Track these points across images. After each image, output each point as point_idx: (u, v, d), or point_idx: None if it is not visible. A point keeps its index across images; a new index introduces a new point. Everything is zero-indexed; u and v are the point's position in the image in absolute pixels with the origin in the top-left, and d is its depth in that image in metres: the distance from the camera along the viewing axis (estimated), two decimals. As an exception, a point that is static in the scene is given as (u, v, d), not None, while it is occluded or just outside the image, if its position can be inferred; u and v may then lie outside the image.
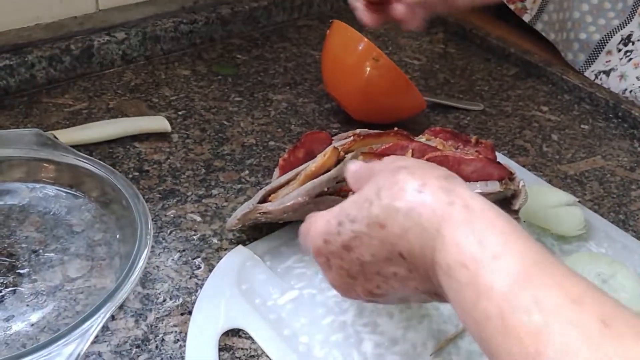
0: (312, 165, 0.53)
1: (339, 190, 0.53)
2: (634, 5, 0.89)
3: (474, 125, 0.79)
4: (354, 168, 0.42)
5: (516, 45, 0.95)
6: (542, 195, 0.61)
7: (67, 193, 0.57)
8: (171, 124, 0.70)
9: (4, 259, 0.51)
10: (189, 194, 0.62)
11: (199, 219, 0.59)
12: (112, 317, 0.49)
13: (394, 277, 0.37)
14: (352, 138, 0.55)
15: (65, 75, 0.76)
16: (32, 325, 0.47)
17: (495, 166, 0.52)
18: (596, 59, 0.91)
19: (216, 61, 0.85)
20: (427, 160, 0.51)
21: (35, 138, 0.57)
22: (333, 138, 0.60)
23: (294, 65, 0.86)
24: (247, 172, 0.66)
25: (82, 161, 0.55)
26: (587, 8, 0.93)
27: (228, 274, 0.52)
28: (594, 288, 0.29)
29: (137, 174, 0.63)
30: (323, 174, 0.52)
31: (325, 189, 0.52)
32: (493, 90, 0.87)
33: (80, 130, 0.67)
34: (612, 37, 0.90)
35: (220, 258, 0.54)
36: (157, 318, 0.49)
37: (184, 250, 0.55)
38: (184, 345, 0.47)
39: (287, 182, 0.55)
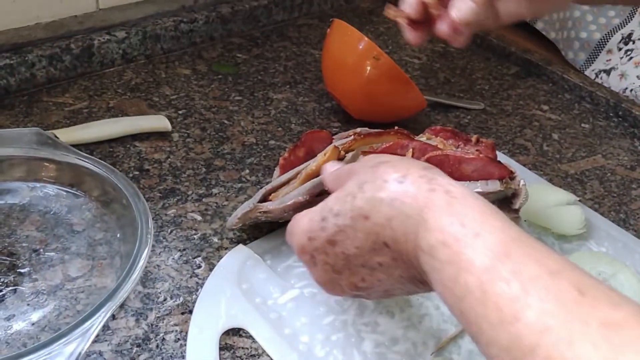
0: (312, 164, 0.53)
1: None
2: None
3: (474, 124, 0.79)
4: (331, 169, 0.43)
5: (516, 44, 0.95)
6: (542, 195, 0.61)
7: (68, 192, 0.57)
8: (171, 123, 0.70)
9: (4, 258, 0.51)
10: (190, 193, 0.62)
11: (199, 218, 0.59)
12: (113, 317, 0.49)
13: (379, 268, 0.37)
14: (352, 137, 0.55)
15: (65, 74, 0.76)
16: (33, 324, 0.47)
17: (496, 165, 0.52)
18: (597, 57, 0.91)
19: (216, 60, 0.85)
20: (428, 159, 0.51)
21: (36, 137, 0.57)
22: (333, 137, 0.60)
23: (294, 64, 0.86)
24: (247, 171, 0.66)
25: (83, 160, 0.55)
26: (587, 7, 0.93)
27: (228, 273, 0.52)
28: (571, 263, 0.30)
29: (137, 173, 0.63)
30: (323, 173, 0.52)
31: (326, 188, 0.52)
32: (493, 89, 0.87)
33: (81, 129, 0.67)
34: (612, 36, 0.90)
35: (220, 257, 0.54)
36: (158, 317, 0.49)
37: (184, 250, 0.55)
38: (185, 345, 0.47)
39: (288, 181, 0.55)
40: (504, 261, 0.29)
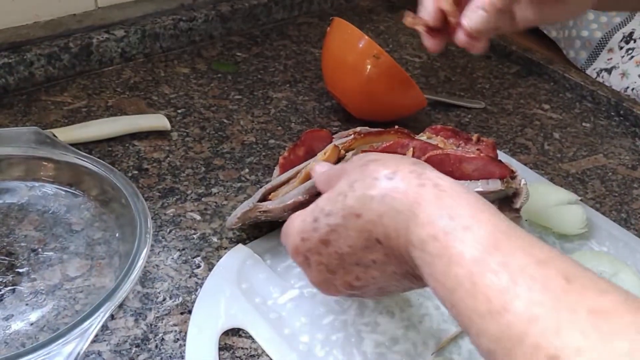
0: (312, 164, 0.53)
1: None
2: (635, 3, 0.89)
3: (475, 123, 0.79)
4: (322, 169, 0.44)
5: (517, 43, 0.95)
6: (543, 194, 0.61)
7: (67, 192, 0.57)
8: (170, 122, 0.69)
9: (3, 257, 0.51)
10: (189, 192, 0.62)
11: (198, 217, 0.59)
12: (112, 316, 0.48)
13: (372, 265, 0.38)
14: (352, 136, 0.55)
15: (64, 73, 0.76)
16: (32, 324, 0.46)
17: (497, 164, 0.52)
18: (598, 56, 0.91)
19: (216, 59, 0.85)
20: (429, 158, 0.51)
21: (34, 136, 0.56)
22: (333, 136, 0.60)
23: (294, 63, 0.86)
24: (247, 170, 0.66)
25: (81, 159, 0.55)
26: (588, 5, 0.92)
27: (228, 273, 0.52)
28: (559, 253, 0.30)
29: (136, 172, 0.63)
30: (323, 172, 0.52)
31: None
32: (494, 88, 0.87)
33: (79, 128, 0.66)
34: (613, 35, 0.89)
35: (220, 257, 0.54)
36: (157, 317, 0.49)
37: (183, 249, 0.55)
38: (184, 345, 0.47)
39: (288, 181, 0.55)
40: (493, 253, 0.30)
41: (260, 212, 0.53)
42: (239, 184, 0.63)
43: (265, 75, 0.83)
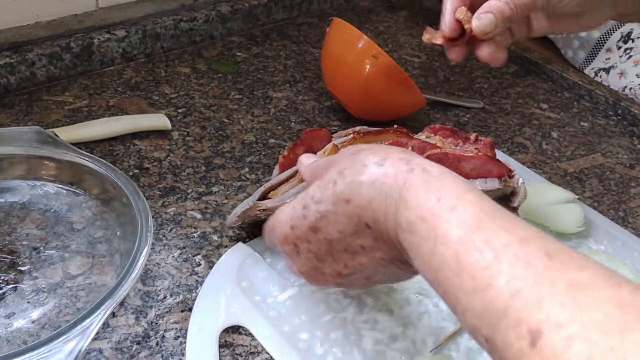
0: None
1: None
2: (633, 3, 0.89)
3: (473, 123, 0.79)
4: (307, 161, 0.45)
5: (515, 42, 0.95)
6: (541, 193, 0.61)
7: (68, 190, 0.57)
8: (171, 121, 0.70)
9: (4, 256, 0.51)
10: (189, 191, 0.62)
11: (199, 216, 0.59)
12: (113, 314, 0.49)
13: (361, 251, 0.38)
14: (351, 135, 0.55)
15: (65, 73, 0.76)
16: (33, 322, 0.47)
17: (495, 163, 0.52)
18: (596, 56, 0.91)
19: (216, 59, 0.85)
20: (427, 157, 0.51)
21: (36, 136, 0.57)
22: (333, 135, 0.60)
23: (293, 63, 0.87)
24: (247, 169, 0.66)
25: (83, 159, 0.56)
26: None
27: (228, 271, 0.52)
28: (542, 233, 0.31)
29: (137, 171, 0.64)
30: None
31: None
32: (493, 88, 0.87)
33: (81, 127, 0.67)
34: (612, 35, 0.90)
35: (220, 255, 0.54)
36: (158, 315, 0.49)
37: (184, 248, 0.56)
38: (185, 342, 0.47)
39: (287, 179, 0.55)
40: (477, 232, 0.30)
41: (259, 210, 0.53)
42: (239, 183, 0.64)
43: (265, 75, 0.83)
